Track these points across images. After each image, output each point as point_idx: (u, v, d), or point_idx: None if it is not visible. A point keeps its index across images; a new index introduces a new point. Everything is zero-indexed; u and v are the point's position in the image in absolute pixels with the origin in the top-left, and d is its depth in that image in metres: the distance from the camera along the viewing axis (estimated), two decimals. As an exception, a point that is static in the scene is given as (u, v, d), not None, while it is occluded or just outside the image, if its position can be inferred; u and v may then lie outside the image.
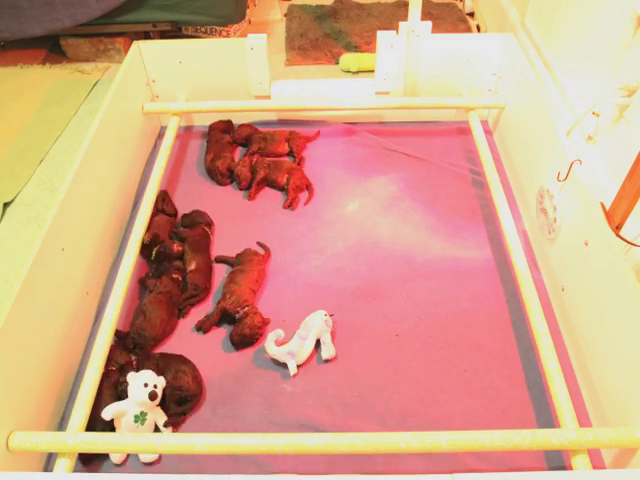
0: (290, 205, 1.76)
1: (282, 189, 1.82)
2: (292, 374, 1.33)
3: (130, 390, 1.22)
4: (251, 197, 1.79)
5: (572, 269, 1.37)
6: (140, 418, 1.19)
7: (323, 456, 1.19)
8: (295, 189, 1.79)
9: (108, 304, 1.37)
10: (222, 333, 1.42)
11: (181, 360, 1.33)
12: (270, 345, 1.34)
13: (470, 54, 1.91)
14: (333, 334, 1.40)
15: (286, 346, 1.35)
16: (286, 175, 1.81)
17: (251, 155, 1.91)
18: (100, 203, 1.56)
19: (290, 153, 1.94)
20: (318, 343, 1.37)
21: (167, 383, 1.26)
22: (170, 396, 1.26)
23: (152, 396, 1.20)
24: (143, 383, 1.21)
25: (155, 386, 1.22)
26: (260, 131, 1.99)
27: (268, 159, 1.88)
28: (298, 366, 1.34)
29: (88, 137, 1.51)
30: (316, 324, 1.37)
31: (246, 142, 1.98)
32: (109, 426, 1.20)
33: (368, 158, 1.94)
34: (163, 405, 1.26)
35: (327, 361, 1.36)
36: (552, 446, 1.06)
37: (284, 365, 1.34)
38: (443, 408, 1.28)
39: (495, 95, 1.99)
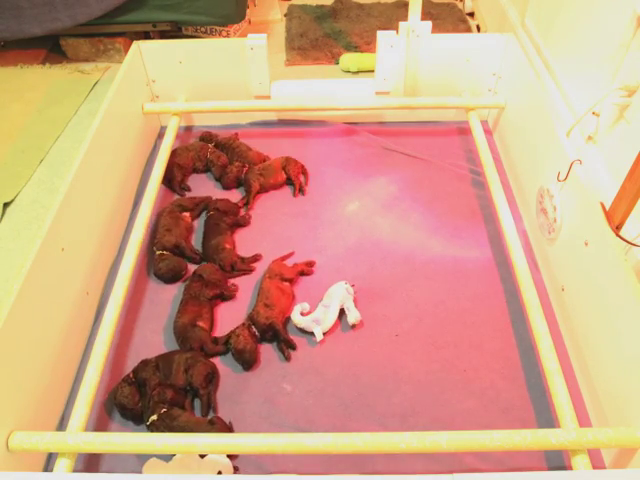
0: (300, 190, 1.80)
1: (284, 184, 1.84)
2: (318, 340, 1.39)
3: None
4: (250, 209, 1.76)
5: (572, 269, 1.37)
6: None
7: (323, 456, 1.19)
8: (298, 175, 1.82)
9: (108, 304, 1.37)
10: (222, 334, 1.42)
11: (179, 352, 1.35)
12: (296, 315, 1.41)
13: (470, 54, 1.91)
14: (356, 300, 1.46)
15: (311, 315, 1.42)
16: (282, 172, 1.82)
17: (254, 197, 1.78)
18: (100, 203, 1.56)
19: (288, 181, 1.84)
20: (342, 313, 1.44)
21: (183, 379, 1.29)
22: (201, 385, 1.28)
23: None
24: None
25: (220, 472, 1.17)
26: (252, 163, 1.86)
27: (258, 167, 1.83)
28: (325, 334, 1.41)
29: (88, 137, 1.51)
30: (338, 292, 1.43)
31: (241, 183, 1.84)
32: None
33: (368, 158, 1.94)
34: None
35: (355, 327, 1.43)
36: (552, 446, 1.06)
37: (310, 334, 1.40)
38: (443, 408, 1.28)
39: (495, 95, 1.99)
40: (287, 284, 1.50)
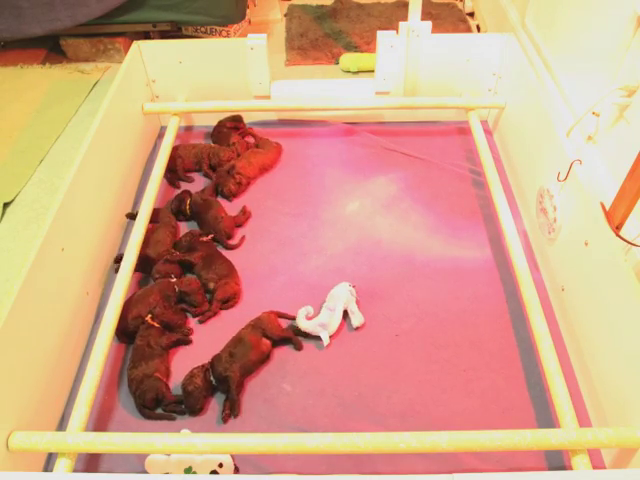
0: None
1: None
2: (325, 344, 1.38)
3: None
4: (245, 212, 1.73)
5: (572, 269, 1.37)
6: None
7: (323, 456, 1.19)
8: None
9: (108, 304, 1.37)
10: (223, 334, 1.42)
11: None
12: (301, 320, 1.39)
13: (470, 54, 1.91)
14: (358, 302, 1.45)
15: (316, 319, 1.40)
16: (275, 147, 1.92)
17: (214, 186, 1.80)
18: (100, 203, 1.56)
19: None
20: (344, 315, 1.43)
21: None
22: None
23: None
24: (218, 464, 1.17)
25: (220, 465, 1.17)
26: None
27: (251, 150, 1.90)
28: (330, 337, 1.40)
29: (88, 137, 1.51)
30: (342, 295, 1.42)
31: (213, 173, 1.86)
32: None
33: (368, 158, 1.94)
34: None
35: (357, 329, 1.42)
36: (552, 446, 1.06)
37: (317, 338, 1.39)
38: (443, 408, 1.28)
39: (495, 95, 1.99)
40: (267, 342, 1.37)
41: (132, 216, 1.64)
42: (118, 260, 1.48)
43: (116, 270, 1.46)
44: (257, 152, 1.89)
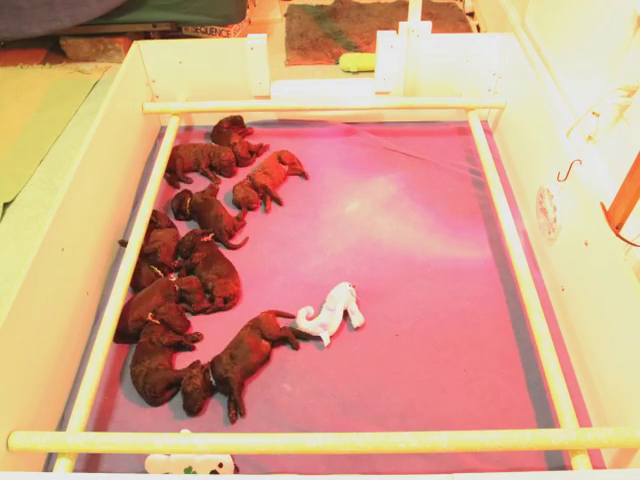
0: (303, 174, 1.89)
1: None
2: (326, 344, 1.39)
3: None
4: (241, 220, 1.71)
5: (572, 269, 1.37)
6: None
7: (323, 456, 1.19)
8: (297, 163, 1.87)
9: (108, 304, 1.37)
10: (223, 334, 1.42)
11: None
12: (302, 320, 1.39)
13: (470, 54, 1.91)
14: (358, 302, 1.45)
15: (317, 319, 1.40)
16: (281, 165, 1.85)
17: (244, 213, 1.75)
18: (100, 203, 1.56)
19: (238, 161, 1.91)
20: (344, 315, 1.43)
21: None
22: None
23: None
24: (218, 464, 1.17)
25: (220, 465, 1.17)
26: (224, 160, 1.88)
27: (259, 169, 1.81)
28: (330, 337, 1.40)
29: (88, 137, 1.51)
30: (343, 295, 1.42)
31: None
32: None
33: (368, 158, 1.94)
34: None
35: (357, 329, 1.42)
36: (552, 446, 1.06)
37: (317, 338, 1.39)
38: (443, 408, 1.28)
39: (495, 95, 1.99)
40: (266, 343, 1.36)
41: (123, 243, 1.57)
42: (124, 244, 1.54)
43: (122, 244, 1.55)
44: (265, 175, 1.81)
